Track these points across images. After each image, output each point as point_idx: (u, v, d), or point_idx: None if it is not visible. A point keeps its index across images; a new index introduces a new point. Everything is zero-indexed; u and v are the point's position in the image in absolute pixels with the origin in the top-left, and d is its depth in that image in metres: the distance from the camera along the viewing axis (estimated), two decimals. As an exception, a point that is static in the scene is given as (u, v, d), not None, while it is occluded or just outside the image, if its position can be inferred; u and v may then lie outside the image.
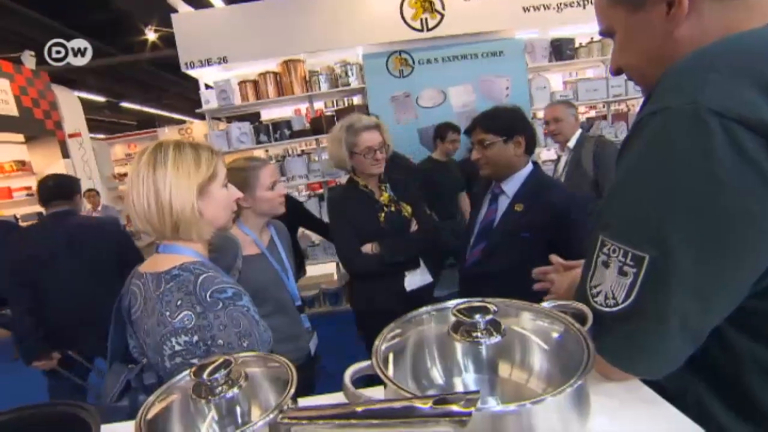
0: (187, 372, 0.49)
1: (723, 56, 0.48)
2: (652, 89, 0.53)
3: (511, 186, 1.56)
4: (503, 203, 1.58)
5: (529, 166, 1.58)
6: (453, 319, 0.48)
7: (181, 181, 0.92)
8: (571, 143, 2.71)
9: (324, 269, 4.31)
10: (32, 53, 5.41)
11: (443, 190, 3.24)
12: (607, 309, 0.52)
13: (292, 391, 0.50)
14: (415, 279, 1.89)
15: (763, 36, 0.49)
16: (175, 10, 3.82)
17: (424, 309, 0.55)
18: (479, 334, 0.47)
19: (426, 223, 1.92)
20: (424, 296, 1.92)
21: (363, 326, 1.93)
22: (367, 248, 1.79)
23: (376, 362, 0.46)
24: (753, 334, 0.51)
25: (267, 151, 6.23)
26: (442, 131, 3.36)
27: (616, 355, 0.53)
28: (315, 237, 4.19)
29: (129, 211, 0.97)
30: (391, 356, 0.49)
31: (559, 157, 2.94)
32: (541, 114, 4.59)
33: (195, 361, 0.87)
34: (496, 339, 0.47)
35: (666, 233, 0.47)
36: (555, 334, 0.51)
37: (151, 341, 0.90)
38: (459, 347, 0.50)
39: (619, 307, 0.51)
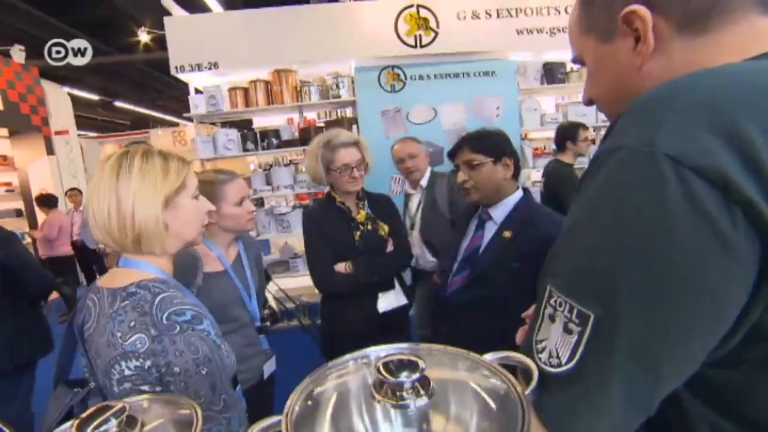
0: (69, 424, 0.43)
1: (686, 94, 0.42)
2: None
3: (500, 212, 1.48)
4: (490, 229, 1.49)
5: (519, 192, 1.50)
6: (376, 376, 0.43)
7: (146, 190, 0.87)
8: (424, 181, 2.55)
9: (305, 282, 4.22)
10: (21, 47, 5.34)
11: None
12: (551, 369, 0.46)
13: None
14: (390, 300, 1.83)
15: (732, 74, 0.44)
16: (169, 13, 3.78)
17: (348, 356, 0.50)
18: (405, 394, 0.42)
19: (402, 244, 1.87)
20: (398, 318, 1.87)
21: (332, 347, 1.86)
22: (341, 267, 1.74)
23: (285, 424, 0.41)
24: (710, 402, 0.46)
25: (257, 158, 6.18)
26: (571, 132, 3.01)
27: (555, 423, 0.47)
28: (297, 248, 4.12)
29: (89, 220, 0.91)
30: (308, 413, 0.44)
31: (408, 196, 2.69)
32: (532, 135, 4.60)
33: (145, 387, 0.81)
34: (422, 401, 0.42)
35: (613, 291, 0.41)
36: (494, 393, 0.46)
37: (101, 363, 0.84)
38: (385, 405, 0.44)
39: (563, 368, 0.45)
